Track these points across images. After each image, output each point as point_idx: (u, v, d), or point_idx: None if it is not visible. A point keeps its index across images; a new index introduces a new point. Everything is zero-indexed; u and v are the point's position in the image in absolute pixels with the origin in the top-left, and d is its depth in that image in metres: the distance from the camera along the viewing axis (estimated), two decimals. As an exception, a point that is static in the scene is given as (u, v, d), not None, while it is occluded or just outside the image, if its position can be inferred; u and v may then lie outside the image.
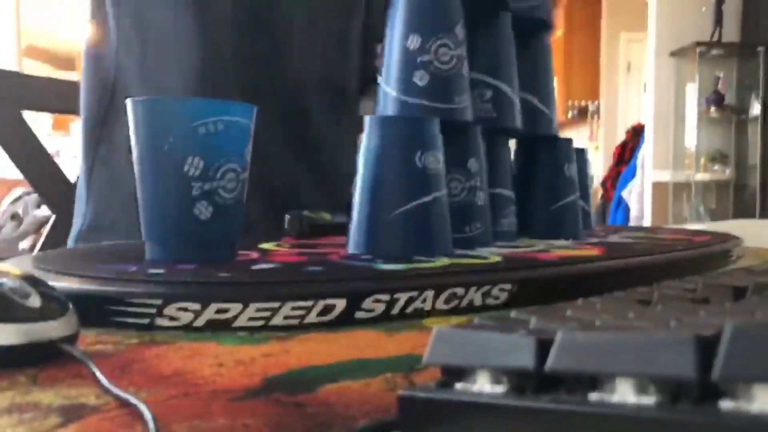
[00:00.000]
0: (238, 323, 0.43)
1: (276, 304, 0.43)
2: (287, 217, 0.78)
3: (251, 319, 0.43)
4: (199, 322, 0.43)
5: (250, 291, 0.45)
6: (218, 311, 0.43)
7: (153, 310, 0.43)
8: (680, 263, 0.64)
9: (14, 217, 2.73)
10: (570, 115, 7.27)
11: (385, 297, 0.46)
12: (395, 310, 0.46)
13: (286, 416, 0.28)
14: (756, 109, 4.73)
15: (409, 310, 0.46)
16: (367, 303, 0.45)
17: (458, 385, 0.24)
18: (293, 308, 0.44)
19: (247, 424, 0.27)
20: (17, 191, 2.82)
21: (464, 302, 0.48)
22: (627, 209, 5.03)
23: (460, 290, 0.48)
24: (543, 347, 0.23)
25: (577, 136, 7.60)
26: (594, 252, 0.64)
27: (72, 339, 0.36)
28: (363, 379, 0.33)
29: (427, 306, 0.47)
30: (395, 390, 0.24)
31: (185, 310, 0.43)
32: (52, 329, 0.35)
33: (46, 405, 0.29)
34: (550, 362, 0.22)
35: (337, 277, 0.50)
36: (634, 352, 0.21)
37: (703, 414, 0.20)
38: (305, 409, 0.29)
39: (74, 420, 0.27)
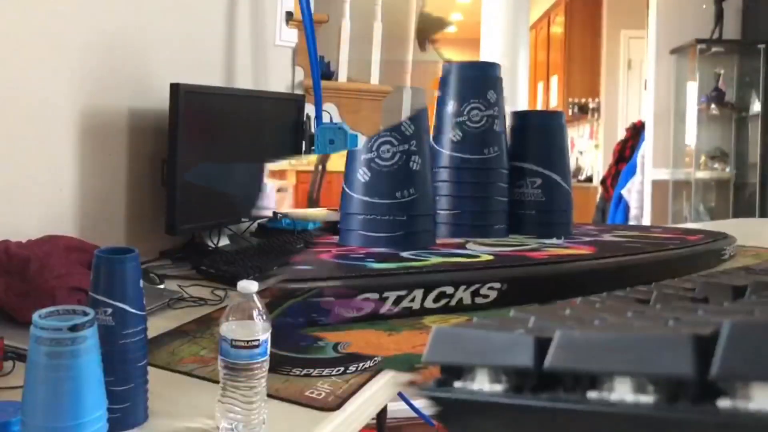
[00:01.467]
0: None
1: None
2: None
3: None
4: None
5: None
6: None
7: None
8: (671, 262, 0.65)
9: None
10: (570, 112, 7.25)
11: (374, 296, 0.46)
12: (384, 309, 0.46)
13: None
14: (756, 106, 4.72)
15: (399, 309, 0.46)
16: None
17: (457, 384, 0.24)
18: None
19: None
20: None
21: (453, 301, 0.48)
22: (627, 207, 5.02)
23: (449, 289, 0.48)
24: (542, 346, 0.23)
25: (578, 134, 7.60)
26: (585, 251, 0.64)
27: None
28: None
29: (416, 305, 0.47)
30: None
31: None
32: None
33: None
34: (549, 361, 0.22)
35: (326, 276, 0.50)
36: (632, 351, 0.21)
37: (700, 412, 0.20)
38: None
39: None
